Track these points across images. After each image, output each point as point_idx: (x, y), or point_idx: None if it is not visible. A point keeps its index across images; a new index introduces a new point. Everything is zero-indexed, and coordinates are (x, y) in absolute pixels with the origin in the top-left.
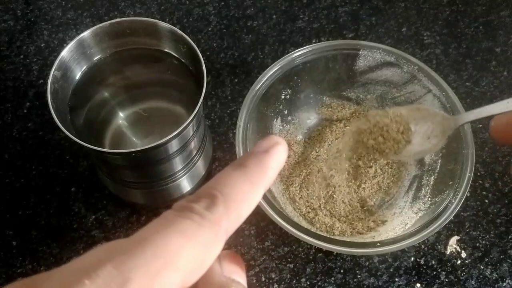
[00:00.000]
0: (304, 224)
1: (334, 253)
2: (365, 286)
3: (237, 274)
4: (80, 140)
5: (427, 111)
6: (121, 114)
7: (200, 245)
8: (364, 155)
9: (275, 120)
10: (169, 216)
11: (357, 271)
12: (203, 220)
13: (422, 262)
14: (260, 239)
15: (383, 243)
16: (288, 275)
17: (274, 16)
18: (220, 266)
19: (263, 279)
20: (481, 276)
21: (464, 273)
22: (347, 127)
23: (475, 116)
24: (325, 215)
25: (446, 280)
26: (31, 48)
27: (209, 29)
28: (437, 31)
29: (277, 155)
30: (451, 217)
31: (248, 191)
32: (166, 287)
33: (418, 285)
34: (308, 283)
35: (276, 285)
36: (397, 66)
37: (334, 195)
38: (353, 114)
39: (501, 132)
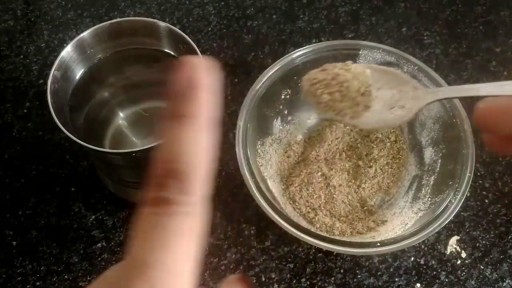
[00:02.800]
0: (304, 224)
1: (334, 253)
2: (365, 286)
3: None
4: (80, 140)
5: (395, 76)
6: (121, 114)
7: (196, 232)
8: (364, 155)
9: (275, 120)
10: (151, 219)
11: (357, 271)
12: (186, 207)
13: (422, 262)
14: (260, 239)
15: (383, 243)
16: (288, 275)
17: (274, 16)
18: None
19: (263, 279)
20: (481, 276)
21: (464, 273)
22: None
23: (458, 93)
24: (325, 215)
25: (446, 280)
26: (31, 48)
27: (209, 29)
28: (437, 31)
29: (204, 83)
30: (451, 217)
31: (204, 144)
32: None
33: (418, 285)
34: (308, 283)
35: (276, 285)
36: (397, 66)
37: (334, 195)
38: None
39: (487, 118)
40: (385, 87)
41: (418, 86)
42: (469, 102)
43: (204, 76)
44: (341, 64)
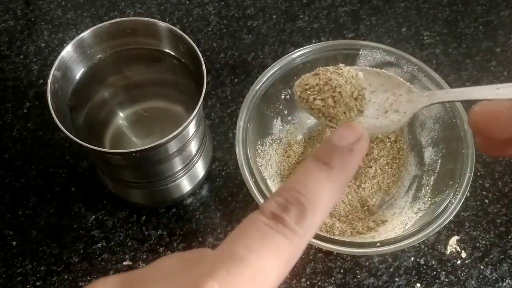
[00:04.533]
0: None
1: (334, 253)
2: (365, 286)
3: None
4: (80, 140)
5: (389, 78)
6: (121, 114)
7: (288, 261)
8: (364, 155)
9: (275, 120)
10: (261, 227)
11: (357, 271)
12: (294, 237)
13: (422, 262)
14: None
15: (383, 243)
16: (288, 275)
17: (274, 16)
18: None
19: None
20: (481, 276)
21: (464, 273)
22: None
23: (453, 97)
24: None
25: (446, 280)
26: (31, 48)
27: (209, 29)
28: (437, 31)
29: (362, 153)
30: (451, 217)
31: (331, 197)
32: None
33: (418, 285)
34: (308, 283)
35: None
36: (397, 66)
37: None
38: None
39: (483, 122)
40: (379, 90)
41: (412, 89)
42: (469, 103)
43: (363, 147)
44: (334, 68)
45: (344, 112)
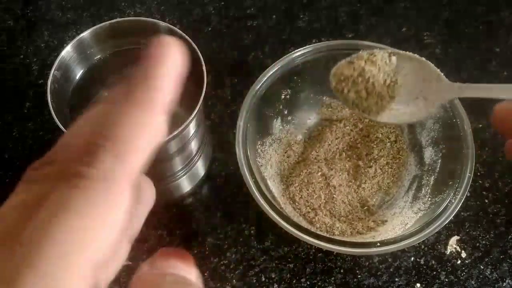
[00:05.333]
0: (304, 224)
1: (334, 253)
2: (365, 286)
3: (176, 269)
4: None
5: (420, 63)
6: None
7: (104, 219)
8: (364, 155)
9: (275, 120)
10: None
11: (357, 271)
12: (91, 182)
13: (422, 262)
14: (260, 239)
15: (383, 243)
16: (288, 275)
17: (274, 16)
18: (151, 264)
19: (263, 279)
20: (481, 276)
21: (464, 273)
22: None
23: (483, 94)
24: (325, 215)
25: (446, 280)
26: (31, 48)
27: (209, 29)
28: (437, 31)
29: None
30: (451, 217)
31: (139, 119)
32: None
33: (418, 285)
34: (308, 283)
35: (276, 285)
36: None
37: (334, 195)
38: (353, 114)
39: (505, 121)
40: (411, 74)
41: (442, 77)
42: (469, 102)
43: (171, 55)
44: (367, 54)
45: (376, 102)
